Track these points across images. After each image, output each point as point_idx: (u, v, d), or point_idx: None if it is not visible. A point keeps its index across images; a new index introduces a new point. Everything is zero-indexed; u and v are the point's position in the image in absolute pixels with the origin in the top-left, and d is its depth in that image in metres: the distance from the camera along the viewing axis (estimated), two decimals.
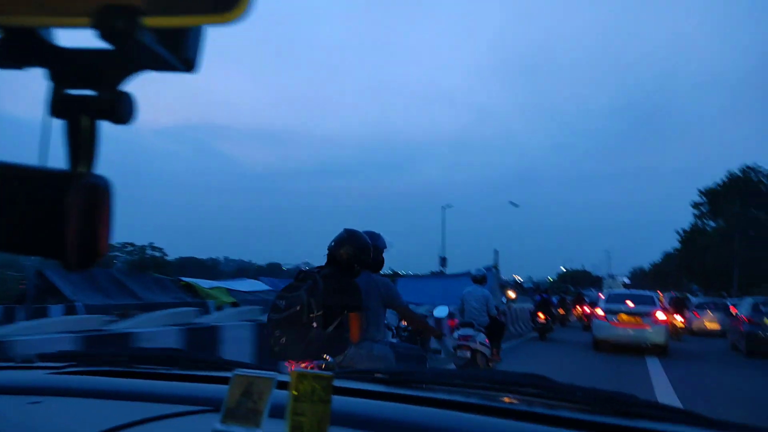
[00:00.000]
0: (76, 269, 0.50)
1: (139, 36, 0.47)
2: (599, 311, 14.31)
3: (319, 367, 3.11)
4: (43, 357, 1.49)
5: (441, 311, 5.86)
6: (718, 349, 16.44)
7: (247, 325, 7.33)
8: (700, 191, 56.68)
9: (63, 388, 1.23)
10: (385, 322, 4.01)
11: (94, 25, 0.47)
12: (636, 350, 13.49)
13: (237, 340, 6.84)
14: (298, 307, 3.10)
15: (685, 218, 58.76)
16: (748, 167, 53.11)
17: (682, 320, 19.19)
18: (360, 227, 3.73)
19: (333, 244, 3.52)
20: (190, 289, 21.31)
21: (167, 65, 0.52)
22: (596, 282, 70.86)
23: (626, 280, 62.00)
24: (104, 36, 0.47)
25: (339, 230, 3.58)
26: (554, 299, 22.56)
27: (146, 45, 0.48)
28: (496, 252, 13.90)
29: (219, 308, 17.17)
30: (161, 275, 27.79)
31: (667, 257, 74.51)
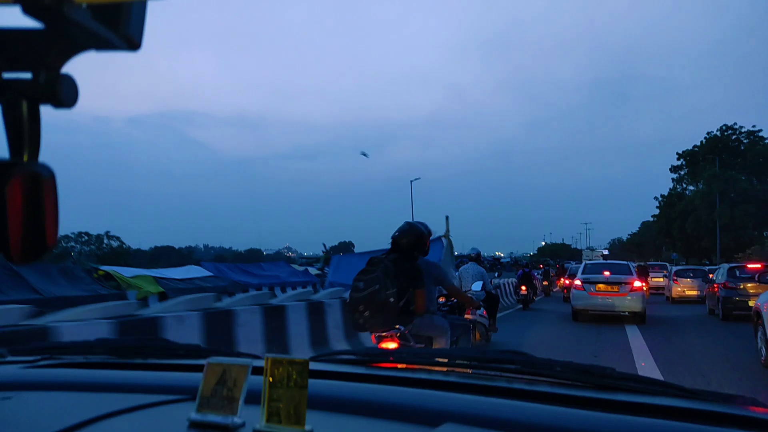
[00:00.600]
0: (21, 262, 0.48)
1: (69, 12, 0.44)
2: (577, 282, 14.57)
3: (395, 335, 3.97)
4: (15, 351, 1.46)
5: (477, 286, 6.87)
6: (696, 314, 16.82)
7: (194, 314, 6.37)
8: (678, 154, 54.74)
9: (36, 382, 1.21)
10: None
11: (18, 0, 0.43)
12: (614, 318, 13.81)
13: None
14: (377, 286, 3.83)
15: (663, 188, 58.14)
16: (727, 126, 50.98)
17: (646, 287, 19.93)
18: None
19: (397, 234, 4.26)
20: (110, 279, 18.88)
21: (107, 43, 0.48)
22: (576, 255, 72.00)
23: (605, 252, 62.83)
24: (29, 12, 0.44)
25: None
26: (538, 272, 24.20)
27: (79, 22, 0.45)
28: (446, 218, 13.31)
29: (144, 299, 15.82)
30: (97, 265, 24.94)
31: (645, 226, 74.98)
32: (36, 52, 0.48)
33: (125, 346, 1.54)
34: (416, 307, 4.09)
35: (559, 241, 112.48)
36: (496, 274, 24.43)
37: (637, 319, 13.59)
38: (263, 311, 7.36)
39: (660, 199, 55.98)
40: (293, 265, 32.59)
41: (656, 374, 7.01)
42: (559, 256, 67.04)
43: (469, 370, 1.29)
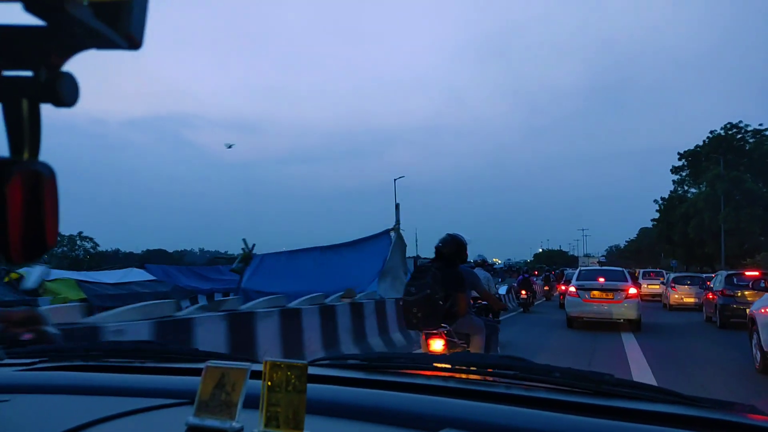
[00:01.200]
0: (21, 261, 0.48)
1: (72, 9, 0.43)
2: (571, 288, 14.42)
3: (442, 333, 4.55)
4: (12, 353, 1.46)
5: (503, 290, 9.01)
6: (693, 322, 16.81)
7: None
8: (680, 154, 51.14)
9: (33, 385, 1.20)
10: None
11: None
12: (610, 325, 13.70)
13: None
14: (428, 291, 4.44)
15: (661, 195, 53.80)
16: (732, 125, 47.35)
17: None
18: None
19: (440, 244, 4.88)
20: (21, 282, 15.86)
21: (108, 42, 0.47)
22: (572, 261, 72.05)
23: (602, 259, 62.12)
24: (31, 10, 0.43)
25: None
26: (539, 278, 25.15)
27: (81, 20, 0.44)
28: (396, 207, 11.83)
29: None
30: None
31: (643, 232, 74.30)
32: (37, 50, 0.47)
33: (123, 349, 1.54)
34: (459, 309, 4.68)
35: (557, 248, 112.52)
36: (500, 280, 25.09)
37: (633, 326, 13.48)
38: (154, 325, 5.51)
39: (660, 202, 52.99)
40: None
41: (651, 381, 7.02)
42: (555, 263, 67.10)
43: (468, 376, 1.29)
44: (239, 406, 0.90)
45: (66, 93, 0.48)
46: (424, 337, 4.68)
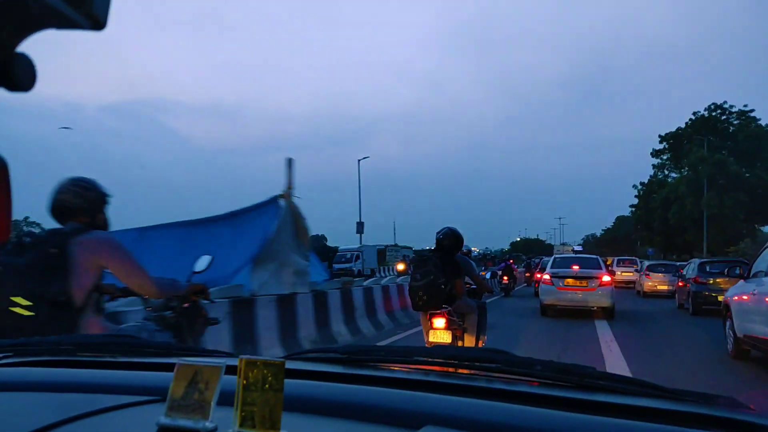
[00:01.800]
0: None
1: None
2: (545, 276, 14.37)
3: (444, 312, 5.24)
4: None
5: (488, 275, 9.12)
6: (665, 308, 17.15)
7: None
8: (661, 136, 48.30)
9: None
10: None
11: None
12: (584, 313, 13.82)
13: None
14: (432, 277, 5.14)
15: (639, 184, 51.25)
16: (716, 106, 44.66)
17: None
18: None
19: (441, 236, 5.51)
20: None
21: (68, 21, 0.44)
22: (549, 250, 72.85)
23: (578, 248, 62.20)
24: None
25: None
26: (521, 266, 26.44)
27: None
28: (288, 162, 8.21)
29: None
30: None
31: (620, 221, 74.56)
32: None
33: (92, 343, 1.49)
34: (456, 292, 5.39)
35: (534, 237, 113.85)
36: (483, 268, 26.17)
37: (606, 313, 13.56)
38: None
39: (639, 187, 50.41)
40: None
41: (624, 369, 7.13)
42: (532, 251, 67.87)
43: (449, 369, 1.27)
44: (213, 405, 0.87)
45: (22, 76, 0.44)
46: (428, 316, 5.35)
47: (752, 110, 43.36)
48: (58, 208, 2.60)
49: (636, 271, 26.96)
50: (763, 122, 42.10)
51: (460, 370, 1.25)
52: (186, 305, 3.12)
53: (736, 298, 8.44)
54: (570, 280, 13.80)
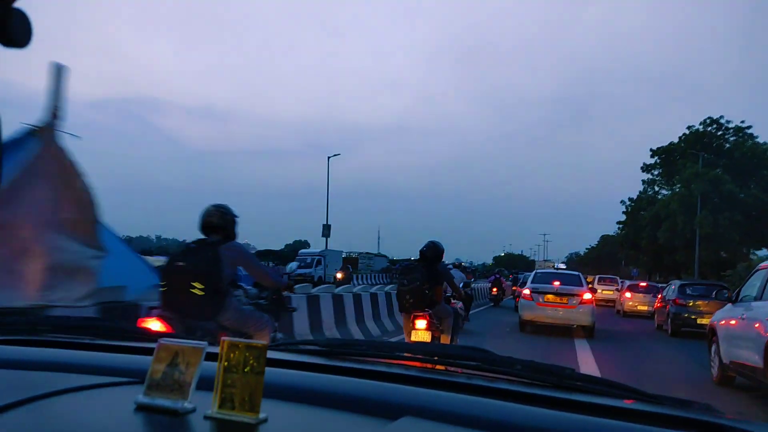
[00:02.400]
0: None
1: None
2: (525, 291, 13.92)
3: (426, 314, 5.77)
4: None
5: (461, 284, 10.28)
6: (644, 329, 17.25)
7: None
8: (653, 150, 45.62)
9: None
10: None
11: None
12: (563, 329, 13.56)
13: None
14: (418, 283, 5.83)
15: (621, 210, 48.87)
16: (712, 120, 42.11)
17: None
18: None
19: (425, 249, 6.14)
20: None
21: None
22: (531, 266, 73.16)
23: (562, 265, 61.52)
24: None
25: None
26: (509, 279, 28.84)
27: None
28: (57, 75, 3.71)
29: None
30: None
31: (605, 239, 74.24)
32: None
33: (72, 325, 1.47)
34: (437, 297, 6.03)
35: (518, 252, 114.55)
36: (473, 280, 27.26)
37: (586, 332, 13.23)
38: None
39: (628, 203, 47.77)
40: None
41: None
42: (515, 267, 68.09)
43: (430, 365, 1.28)
44: (193, 386, 0.86)
45: (17, 31, 0.43)
46: (412, 317, 5.92)
47: (749, 126, 41.12)
48: (206, 226, 3.78)
49: (617, 290, 27.14)
50: (761, 140, 40.09)
51: (440, 366, 1.25)
52: (275, 297, 4.40)
53: (723, 322, 8.18)
54: (550, 296, 13.39)
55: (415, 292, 5.84)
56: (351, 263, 49.07)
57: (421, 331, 5.78)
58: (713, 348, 8.37)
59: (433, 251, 6.15)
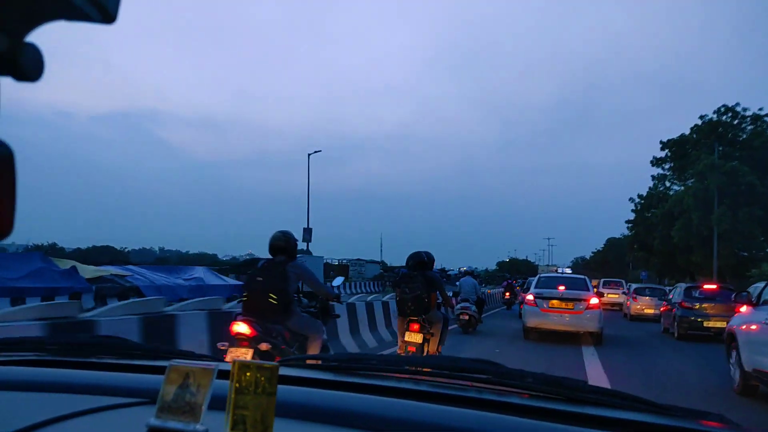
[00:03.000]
0: None
1: None
2: (529, 297, 13.24)
3: (421, 320, 6.32)
4: None
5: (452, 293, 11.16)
6: (651, 332, 17.15)
7: None
8: (663, 143, 41.35)
9: None
10: None
11: None
12: (569, 337, 12.92)
13: None
14: (419, 292, 6.29)
15: (629, 213, 45.25)
16: (727, 108, 37.82)
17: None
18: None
19: (418, 258, 6.60)
20: None
21: (78, 13, 0.43)
22: (535, 271, 72.68)
23: (568, 270, 60.28)
24: None
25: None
26: (517, 283, 29.72)
27: None
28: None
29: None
30: None
31: (611, 243, 72.79)
32: (1, 18, 0.42)
33: (80, 344, 1.47)
34: (431, 304, 6.48)
35: (524, 258, 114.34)
36: (484, 285, 28.30)
37: (594, 339, 12.59)
38: None
39: (637, 200, 43.80)
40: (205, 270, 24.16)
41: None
42: (519, 272, 67.83)
43: (440, 379, 1.27)
44: (204, 408, 0.86)
45: (29, 66, 0.43)
46: (406, 321, 6.41)
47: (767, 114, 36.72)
48: (274, 247, 4.76)
49: (623, 293, 27.05)
50: None
51: (451, 381, 1.24)
52: (323, 306, 5.23)
53: (743, 327, 7.47)
54: (555, 302, 12.70)
55: (416, 299, 6.32)
56: (342, 270, 47.91)
57: (414, 333, 6.35)
58: (733, 355, 7.72)
59: (430, 260, 6.76)
